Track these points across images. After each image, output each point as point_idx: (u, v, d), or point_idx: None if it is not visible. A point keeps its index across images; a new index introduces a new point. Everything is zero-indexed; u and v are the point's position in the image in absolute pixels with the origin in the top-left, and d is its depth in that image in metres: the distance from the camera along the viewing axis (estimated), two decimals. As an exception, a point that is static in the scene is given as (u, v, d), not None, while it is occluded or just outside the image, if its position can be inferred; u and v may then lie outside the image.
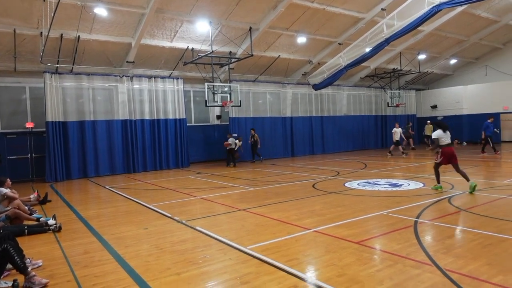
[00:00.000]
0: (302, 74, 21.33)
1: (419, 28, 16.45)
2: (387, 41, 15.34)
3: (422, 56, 23.10)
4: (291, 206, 7.91)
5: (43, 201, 9.50)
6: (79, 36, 13.65)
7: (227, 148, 17.20)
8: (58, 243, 5.89)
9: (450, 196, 8.11)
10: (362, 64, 18.78)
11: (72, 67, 15.07)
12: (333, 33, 18.49)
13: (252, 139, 18.33)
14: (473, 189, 8.34)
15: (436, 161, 9.10)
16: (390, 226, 6.00)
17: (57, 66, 14.65)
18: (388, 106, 25.12)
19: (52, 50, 13.81)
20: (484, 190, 8.68)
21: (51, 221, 6.74)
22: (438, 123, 9.25)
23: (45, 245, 5.85)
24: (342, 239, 5.40)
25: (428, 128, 23.28)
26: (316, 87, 19.86)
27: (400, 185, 9.85)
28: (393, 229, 5.78)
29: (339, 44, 18.72)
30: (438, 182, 9.08)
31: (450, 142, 8.95)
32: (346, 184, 10.39)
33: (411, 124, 24.60)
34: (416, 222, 6.14)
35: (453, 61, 25.64)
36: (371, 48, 16.08)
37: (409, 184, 9.93)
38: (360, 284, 3.86)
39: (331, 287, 3.80)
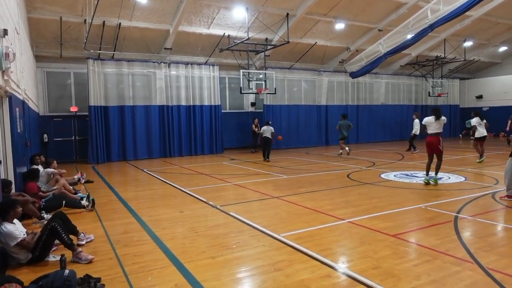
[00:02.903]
0: (339, 62, 20.81)
1: (467, 13, 15.45)
2: (431, 27, 14.53)
3: (468, 43, 21.79)
4: (324, 195, 7.84)
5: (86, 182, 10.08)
6: (120, 23, 14.04)
7: (262, 137, 14.66)
8: (100, 222, 6.21)
9: (494, 192, 7.71)
10: (403, 52, 17.99)
11: (113, 53, 15.58)
12: (373, 19, 17.82)
13: (257, 128, 17.69)
14: (433, 182, 8.51)
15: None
16: (429, 220, 5.81)
17: (99, 53, 15.19)
18: (429, 95, 24.05)
19: (95, 37, 14.31)
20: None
21: (84, 202, 7.10)
22: (433, 109, 8.78)
23: (88, 223, 6.18)
24: (377, 231, 5.30)
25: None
26: (354, 75, 19.29)
27: (440, 178, 9.47)
28: (432, 224, 5.60)
29: (379, 30, 18.02)
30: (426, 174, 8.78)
31: (437, 132, 8.49)
32: (382, 175, 10.14)
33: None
34: (456, 217, 5.90)
35: (502, 49, 23.99)
36: (413, 35, 15.32)
37: (449, 178, 9.54)
38: (396, 278, 3.78)
39: (365, 279, 3.76)
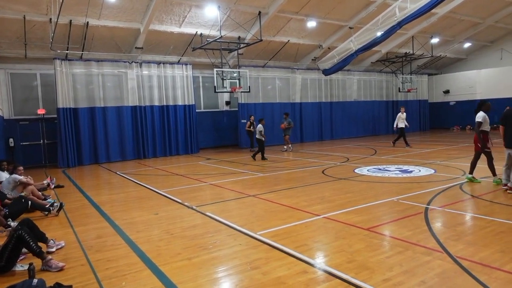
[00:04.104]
0: (312, 59, 21.05)
1: (433, 10, 15.98)
2: (400, 24, 14.94)
3: (435, 40, 22.56)
4: (300, 192, 7.92)
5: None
6: (87, 22, 13.62)
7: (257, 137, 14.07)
8: (71, 228, 6.01)
9: (462, 183, 8.02)
10: (373, 49, 18.40)
11: (82, 53, 15.11)
12: (343, 17, 18.12)
13: (251, 126, 16.99)
14: (467, 179, 8.18)
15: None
16: (401, 212, 5.97)
17: (66, 53, 14.69)
18: (399, 91, 24.73)
19: (62, 37, 13.83)
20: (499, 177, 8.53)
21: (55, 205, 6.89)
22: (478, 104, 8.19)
23: (58, 229, 5.97)
24: (352, 225, 5.39)
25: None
26: (326, 72, 19.56)
27: (411, 172, 9.76)
28: (404, 216, 5.76)
29: (350, 28, 18.36)
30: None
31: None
32: (356, 170, 10.34)
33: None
34: (426, 208, 6.10)
35: (467, 45, 24.98)
36: (382, 32, 15.70)
37: (420, 171, 9.84)
38: (369, 270, 3.86)
39: (340, 273, 3.82)
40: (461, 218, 5.69)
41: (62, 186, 9.93)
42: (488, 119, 7.95)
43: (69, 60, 14.86)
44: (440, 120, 27.34)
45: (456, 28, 22.32)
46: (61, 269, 4.25)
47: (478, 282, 3.50)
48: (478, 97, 25.13)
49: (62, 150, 14.57)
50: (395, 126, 16.63)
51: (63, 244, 5.08)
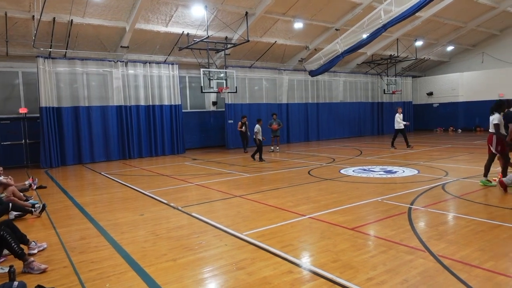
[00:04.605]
0: (299, 61, 21.17)
1: (417, 14, 16.29)
2: (385, 27, 15.19)
3: (419, 43, 22.98)
4: (286, 192, 7.96)
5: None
6: (72, 20, 13.39)
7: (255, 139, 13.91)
8: (54, 229, 5.91)
9: (444, 183, 8.19)
10: (359, 51, 18.65)
11: (66, 51, 14.84)
12: (330, 19, 18.29)
13: (244, 127, 16.72)
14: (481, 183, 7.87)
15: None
16: (385, 212, 6.06)
17: (50, 51, 14.41)
18: (384, 93, 25.12)
19: (45, 34, 13.57)
20: (479, 177, 8.75)
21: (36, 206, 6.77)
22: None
23: (41, 231, 5.86)
24: (337, 225, 5.45)
25: None
26: (313, 73, 19.71)
27: (395, 172, 9.92)
28: (387, 216, 5.85)
29: (336, 30, 18.54)
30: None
31: (490, 130, 7.73)
32: (342, 171, 10.45)
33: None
34: (410, 208, 6.21)
35: (450, 48, 25.54)
36: (368, 34, 15.92)
37: (404, 171, 10.01)
38: (354, 269, 3.91)
39: (325, 272, 3.86)
40: (443, 218, 5.81)
41: (45, 187, 9.73)
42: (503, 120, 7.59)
43: (52, 58, 14.58)
44: (424, 121, 27.85)
45: (439, 32, 22.79)
46: (43, 271, 4.18)
47: (458, 280, 3.58)
48: (461, 99, 25.75)
49: (45, 150, 14.28)
50: (403, 124, 15.76)
51: (45, 246, 4.99)
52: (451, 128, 25.83)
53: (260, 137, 13.68)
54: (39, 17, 11.42)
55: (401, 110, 16.51)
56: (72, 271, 4.20)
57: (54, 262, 4.48)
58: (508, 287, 3.45)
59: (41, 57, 14.18)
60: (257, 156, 13.74)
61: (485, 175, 7.93)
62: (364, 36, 16.12)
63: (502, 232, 4.95)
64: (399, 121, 15.78)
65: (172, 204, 7.21)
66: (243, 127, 16.66)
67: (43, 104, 14.22)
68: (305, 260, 4.29)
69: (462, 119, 25.60)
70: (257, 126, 13.93)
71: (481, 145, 16.13)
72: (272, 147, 17.08)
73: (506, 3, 20.32)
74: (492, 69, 24.59)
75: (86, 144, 15.30)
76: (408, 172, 9.90)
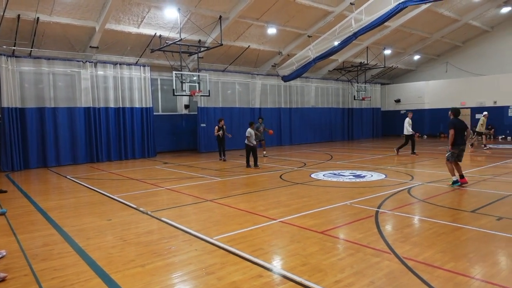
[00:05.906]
0: (272, 66, 21.36)
1: (386, 23, 16.91)
2: (355, 35, 15.66)
3: (387, 51, 23.78)
4: (258, 196, 7.98)
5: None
6: (38, 17, 12.90)
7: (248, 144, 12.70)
8: (14, 236, 5.63)
9: (410, 187, 8.48)
10: (331, 57, 19.07)
11: (31, 50, 14.25)
12: (302, 26, 18.60)
13: (221, 131, 15.19)
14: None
15: None
16: (353, 216, 6.20)
17: (13, 49, 13.80)
18: (354, 99, 25.78)
19: (9, 32, 12.99)
20: (443, 181, 9.13)
21: None
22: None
23: (0, 238, 5.57)
24: (306, 229, 5.52)
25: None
26: (285, 78, 19.98)
27: (364, 176, 10.17)
28: (356, 219, 5.98)
29: (309, 36, 18.87)
30: None
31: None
32: (312, 175, 10.60)
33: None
34: (377, 212, 6.38)
35: (416, 57, 26.59)
36: (339, 42, 16.34)
37: (372, 176, 10.28)
38: (322, 272, 3.97)
39: (294, 276, 3.89)
40: (408, 221, 6.01)
41: (5, 191, 9.25)
42: None
43: (16, 57, 13.96)
44: (392, 127, 28.77)
45: (406, 41, 23.70)
46: (2, 280, 3.96)
47: (421, 280, 3.72)
48: (427, 106, 26.82)
49: (6, 153, 13.62)
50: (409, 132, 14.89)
51: (4, 253, 4.73)
52: (417, 134, 26.80)
53: (253, 141, 12.55)
54: (2, 14, 10.94)
55: (411, 115, 15.40)
56: (33, 279, 4.02)
57: (13, 270, 4.27)
58: (467, 286, 3.61)
59: (4, 55, 13.55)
60: (252, 162, 12.66)
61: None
62: (336, 43, 16.53)
63: (462, 234, 5.19)
64: (408, 127, 14.80)
65: (141, 209, 7.06)
66: (220, 131, 15.06)
67: (5, 105, 13.58)
68: (275, 264, 4.32)
69: (428, 125, 26.66)
70: (249, 130, 12.59)
71: (444, 150, 16.80)
72: (264, 152, 16.39)
73: (467, 17, 21.46)
74: (455, 78, 25.81)
75: (51, 146, 14.72)
76: (376, 176, 10.17)
